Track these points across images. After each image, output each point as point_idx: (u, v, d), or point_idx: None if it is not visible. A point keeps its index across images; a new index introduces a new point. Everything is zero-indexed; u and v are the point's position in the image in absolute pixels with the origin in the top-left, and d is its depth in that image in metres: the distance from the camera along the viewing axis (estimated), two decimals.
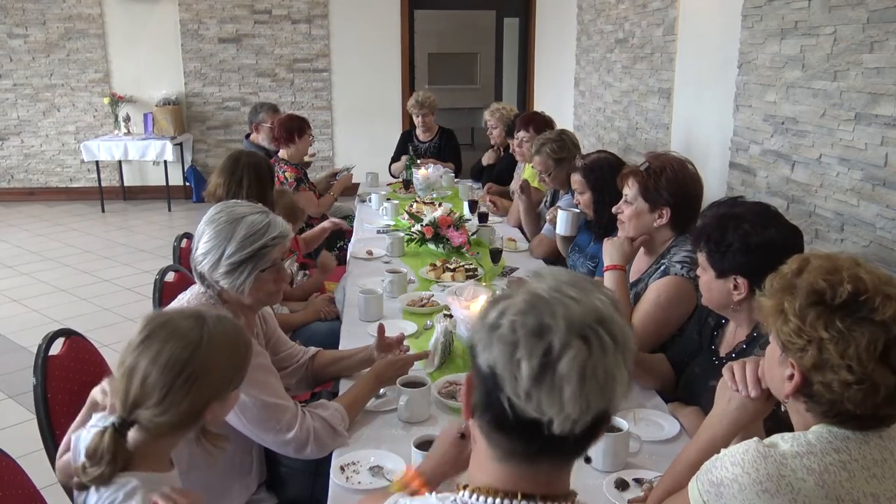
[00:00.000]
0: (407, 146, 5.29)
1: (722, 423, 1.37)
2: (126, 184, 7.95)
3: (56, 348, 1.86)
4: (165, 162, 7.44)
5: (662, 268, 2.30)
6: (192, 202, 7.76)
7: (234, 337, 1.38)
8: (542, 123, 4.12)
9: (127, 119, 7.54)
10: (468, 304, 2.22)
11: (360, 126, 7.90)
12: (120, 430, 1.27)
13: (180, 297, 1.92)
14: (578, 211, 3.08)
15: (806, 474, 1.09)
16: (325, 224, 3.59)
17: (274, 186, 3.09)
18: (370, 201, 4.47)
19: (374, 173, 5.24)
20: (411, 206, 3.97)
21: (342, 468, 1.68)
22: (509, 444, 0.91)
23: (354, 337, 2.45)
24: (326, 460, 1.76)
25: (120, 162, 7.72)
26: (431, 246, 3.34)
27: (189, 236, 2.92)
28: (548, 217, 3.49)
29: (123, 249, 6.23)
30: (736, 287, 1.75)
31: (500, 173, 4.85)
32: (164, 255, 5.49)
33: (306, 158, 4.82)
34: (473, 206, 4.02)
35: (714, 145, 3.35)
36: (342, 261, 3.98)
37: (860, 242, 2.32)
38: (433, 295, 2.75)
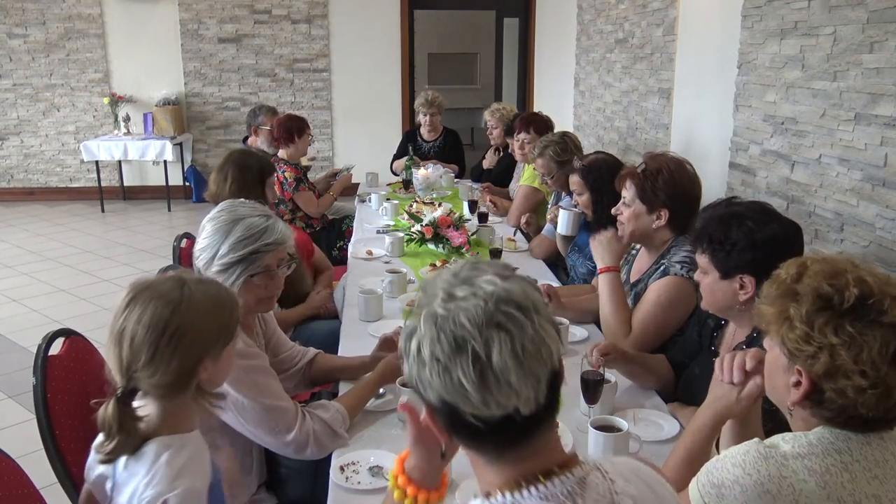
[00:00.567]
0: (410, 146, 5.28)
1: (705, 413, 1.43)
2: (126, 184, 7.95)
3: (56, 348, 1.85)
4: (165, 162, 7.44)
5: (662, 268, 2.30)
6: (191, 202, 7.76)
7: (216, 295, 1.41)
8: (542, 124, 4.12)
9: (127, 119, 7.54)
10: None
11: (360, 126, 7.90)
12: (123, 399, 1.31)
13: None
14: (579, 211, 3.08)
15: (807, 475, 1.08)
16: (305, 311, 3.02)
17: (266, 183, 3.06)
18: (370, 201, 4.47)
19: (374, 173, 5.24)
20: (411, 206, 3.97)
21: (342, 468, 1.68)
22: (492, 444, 0.93)
23: (354, 337, 2.45)
24: (327, 461, 1.76)
25: (120, 162, 7.72)
26: (431, 246, 3.34)
27: (189, 236, 2.92)
28: (548, 217, 3.49)
29: (123, 249, 6.23)
30: (742, 286, 1.74)
31: (499, 173, 4.86)
32: (164, 255, 5.49)
33: (306, 162, 4.82)
34: (473, 206, 4.02)
35: (714, 145, 3.35)
36: (342, 261, 3.98)
37: (860, 242, 2.32)
38: None
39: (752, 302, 1.74)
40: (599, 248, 2.40)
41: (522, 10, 7.84)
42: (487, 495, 0.94)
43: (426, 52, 8.08)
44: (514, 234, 3.73)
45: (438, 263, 3.06)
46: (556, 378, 0.93)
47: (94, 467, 1.42)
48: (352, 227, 4.31)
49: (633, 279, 2.48)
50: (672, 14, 3.83)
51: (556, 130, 4.04)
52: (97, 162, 7.42)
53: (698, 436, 1.43)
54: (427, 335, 0.90)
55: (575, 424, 1.85)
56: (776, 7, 2.77)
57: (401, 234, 3.45)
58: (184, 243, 2.88)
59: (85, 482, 1.46)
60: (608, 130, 4.93)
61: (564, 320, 2.35)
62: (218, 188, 2.94)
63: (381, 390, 2.01)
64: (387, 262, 3.26)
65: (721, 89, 3.25)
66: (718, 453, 1.27)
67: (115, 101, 7.55)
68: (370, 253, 3.41)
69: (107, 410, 1.30)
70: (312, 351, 2.21)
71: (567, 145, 3.50)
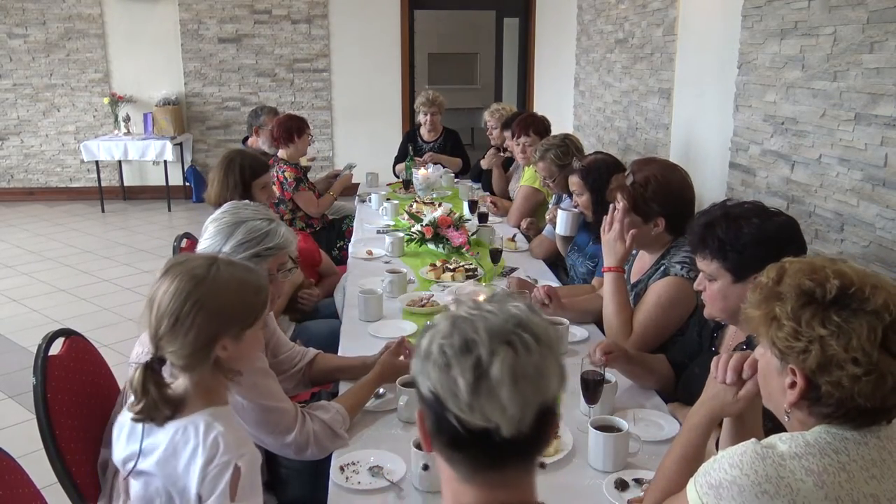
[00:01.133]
0: (410, 147, 5.28)
1: (700, 411, 1.45)
2: (126, 184, 7.96)
3: (56, 348, 1.86)
4: (165, 162, 7.44)
5: (662, 269, 2.30)
6: (191, 202, 7.77)
7: (242, 276, 1.48)
8: (540, 126, 4.12)
9: (127, 119, 7.54)
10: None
11: (360, 126, 7.90)
12: (150, 365, 1.40)
13: None
14: (578, 211, 3.08)
15: (805, 475, 1.09)
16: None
17: (253, 185, 3.00)
18: (370, 201, 4.47)
19: (374, 173, 5.24)
20: (411, 206, 3.97)
21: (342, 468, 1.69)
22: (468, 459, 0.95)
23: (354, 337, 2.45)
24: (327, 461, 1.76)
25: (120, 162, 7.72)
26: (431, 246, 3.35)
27: (189, 236, 2.93)
28: (548, 217, 3.50)
29: (123, 249, 6.23)
30: None
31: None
32: (164, 255, 5.48)
33: (306, 162, 4.82)
34: (473, 206, 4.02)
35: (714, 145, 3.35)
36: (342, 261, 3.98)
37: (860, 242, 2.32)
38: (433, 295, 2.75)
39: None
40: (605, 247, 2.41)
41: (522, 10, 7.84)
42: None
43: (426, 52, 8.09)
44: (514, 234, 3.73)
45: (438, 263, 3.07)
46: (546, 414, 0.94)
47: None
48: (352, 227, 4.31)
49: (633, 280, 2.48)
50: (672, 14, 3.83)
51: (555, 131, 4.05)
52: (97, 162, 7.42)
53: (693, 434, 1.45)
54: (442, 331, 0.95)
55: (575, 424, 1.86)
56: (776, 7, 2.77)
57: (401, 234, 3.45)
58: (184, 243, 2.88)
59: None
60: (608, 130, 4.93)
61: (564, 320, 2.35)
62: (209, 190, 3.04)
63: (382, 390, 2.01)
64: (387, 262, 3.27)
65: (721, 89, 3.25)
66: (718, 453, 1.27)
67: (115, 101, 7.55)
68: (370, 253, 3.42)
69: (135, 374, 1.39)
70: (312, 351, 2.21)
71: (568, 148, 3.50)
